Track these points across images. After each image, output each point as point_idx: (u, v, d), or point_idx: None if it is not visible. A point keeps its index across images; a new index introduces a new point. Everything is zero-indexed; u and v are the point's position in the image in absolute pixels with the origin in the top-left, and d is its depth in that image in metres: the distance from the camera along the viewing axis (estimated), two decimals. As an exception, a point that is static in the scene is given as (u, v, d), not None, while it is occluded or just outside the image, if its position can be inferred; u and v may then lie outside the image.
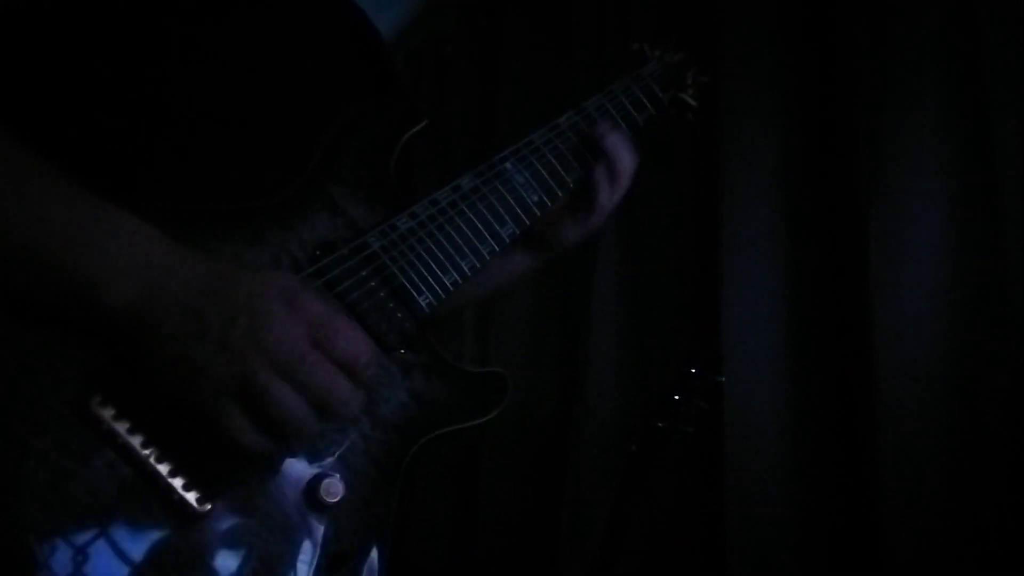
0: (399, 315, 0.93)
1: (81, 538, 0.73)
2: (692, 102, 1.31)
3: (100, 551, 0.74)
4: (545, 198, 1.10)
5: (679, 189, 2.16)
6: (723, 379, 1.87)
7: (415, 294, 0.95)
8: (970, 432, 1.71)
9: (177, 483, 0.77)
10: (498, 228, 1.04)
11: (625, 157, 1.16)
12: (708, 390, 1.77)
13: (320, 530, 0.84)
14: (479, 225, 1.03)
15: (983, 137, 1.76)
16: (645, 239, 2.22)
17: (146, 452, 0.76)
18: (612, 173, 1.17)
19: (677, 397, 1.73)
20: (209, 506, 0.78)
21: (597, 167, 1.16)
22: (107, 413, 0.75)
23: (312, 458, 0.86)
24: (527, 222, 1.08)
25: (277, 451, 0.80)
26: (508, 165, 1.08)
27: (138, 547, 0.76)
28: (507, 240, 1.05)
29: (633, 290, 2.24)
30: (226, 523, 0.79)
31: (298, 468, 0.85)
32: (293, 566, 0.82)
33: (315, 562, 0.83)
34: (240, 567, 0.79)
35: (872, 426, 1.77)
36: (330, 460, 0.87)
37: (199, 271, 0.77)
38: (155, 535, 0.76)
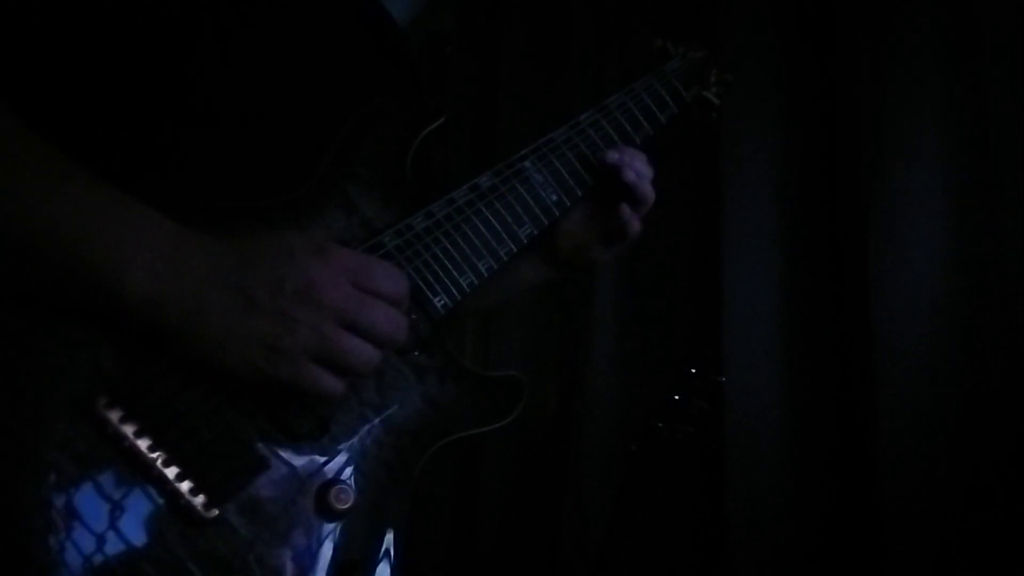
0: (413, 317, 0.91)
1: (86, 543, 0.73)
2: (716, 100, 1.27)
3: (105, 556, 0.74)
4: (564, 198, 1.08)
5: (679, 189, 2.16)
6: (723, 379, 1.87)
7: (430, 295, 0.94)
8: (970, 431, 1.71)
9: (184, 487, 0.77)
10: (516, 228, 1.02)
11: (646, 185, 1.15)
12: (708, 390, 1.78)
13: (330, 537, 0.83)
14: (497, 225, 1.01)
15: (983, 135, 1.76)
16: (645, 239, 2.21)
17: (153, 456, 0.76)
18: (635, 202, 1.15)
19: (677, 397, 1.73)
20: (216, 511, 0.78)
21: (621, 200, 1.15)
22: (114, 416, 0.75)
23: (323, 464, 0.85)
24: (545, 222, 1.06)
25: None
26: (527, 164, 1.05)
27: (144, 552, 0.75)
28: (524, 240, 1.03)
29: (633, 290, 2.24)
30: (233, 529, 0.79)
31: (308, 474, 0.84)
32: (302, 574, 0.81)
33: (325, 571, 0.82)
34: (247, 574, 0.79)
35: (872, 425, 1.77)
36: (342, 466, 0.86)
37: (222, 249, 0.78)
38: (161, 540, 0.76)
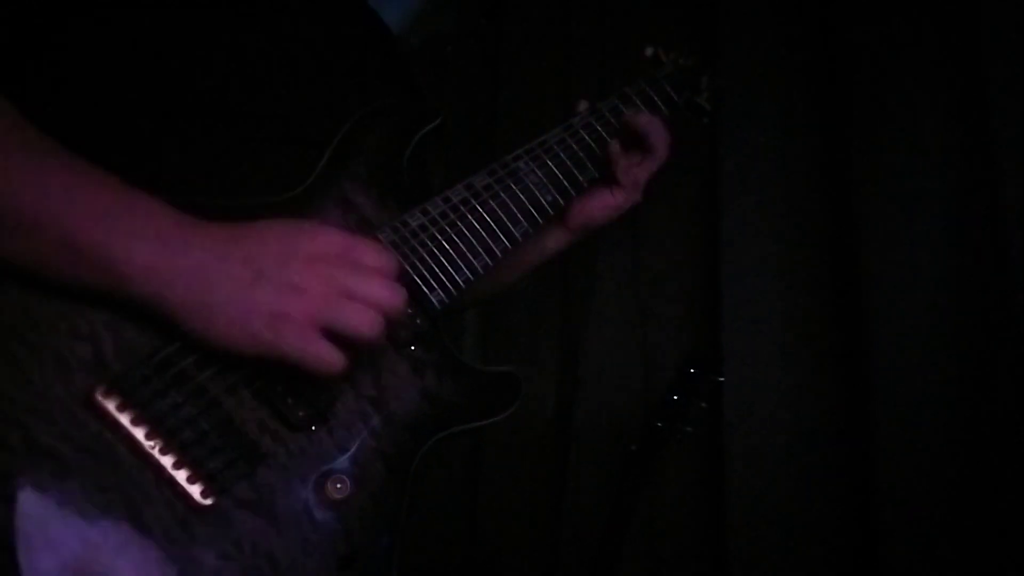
0: (409, 311, 0.93)
1: (83, 531, 0.73)
2: (707, 106, 1.32)
3: (102, 544, 0.74)
4: (558, 197, 1.11)
5: (679, 188, 2.16)
6: (723, 379, 1.88)
7: (426, 291, 0.95)
8: (970, 432, 1.71)
9: (181, 476, 0.77)
10: (511, 227, 1.04)
11: (657, 132, 1.18)
12: (708, 390, 1.78)
13: (328, 528, 0.83)
14: (492, 223, 1.03)
15: (983, 136, 1.76)
16: (645, 238, 2.22)
17: (150, 444, 0.76)
18: (645, 150, 1.19)
19: (677, 397, 1.73)
20: (212, 500, 0.78)
21: (623, 148, 1.18)
22: (111, 404, 0.75)
23: (322, 455, 0.85)
24: (540, 221, 1.08)
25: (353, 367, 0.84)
26: (521, 164, 1.08)
27: (140, 541, 0.75)
28: (520, 239, 1.05)
29: (633, 289, 2.24)
30: (231, 518, 0.79)
31: (306, 464, 0.84)
32: (300, 565, 0.81)
33: (324, 561, 0.82)
34: (244, 564, 0.79)
35: (872, 426, 1.77)
36: (340, 457, 0.86)
37: (228, 228, 0.80)
38: (157, 528, 0.76)
